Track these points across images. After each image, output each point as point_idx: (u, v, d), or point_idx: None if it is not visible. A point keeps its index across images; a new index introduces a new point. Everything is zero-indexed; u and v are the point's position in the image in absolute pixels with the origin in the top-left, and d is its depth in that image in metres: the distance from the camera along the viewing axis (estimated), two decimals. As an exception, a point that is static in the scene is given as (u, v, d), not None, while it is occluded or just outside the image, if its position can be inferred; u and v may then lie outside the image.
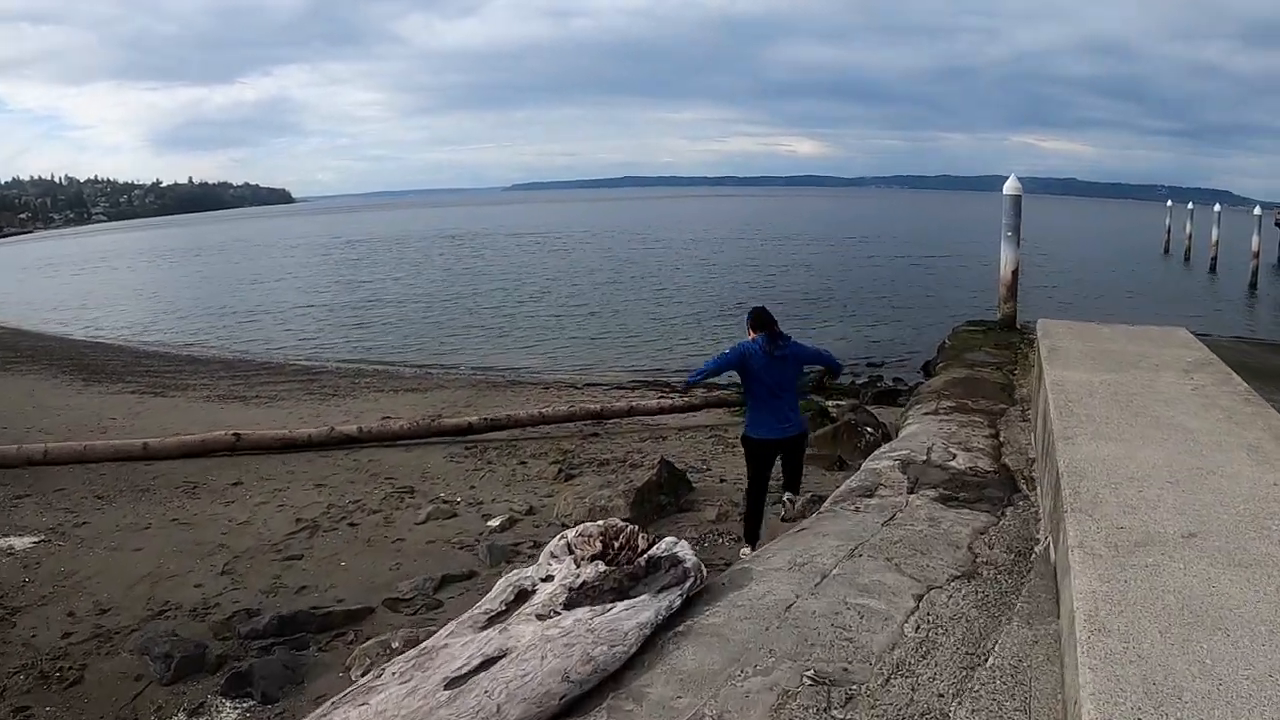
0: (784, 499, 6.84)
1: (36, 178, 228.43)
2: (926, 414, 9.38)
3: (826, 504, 5.98)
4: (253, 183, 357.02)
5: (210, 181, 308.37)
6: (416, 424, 10.36)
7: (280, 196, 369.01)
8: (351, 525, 7.59)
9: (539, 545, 6.60)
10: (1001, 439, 7.73)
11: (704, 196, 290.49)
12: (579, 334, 25.36)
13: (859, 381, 18.46)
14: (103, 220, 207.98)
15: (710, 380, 8.30)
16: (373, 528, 7.47)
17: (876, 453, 7.28)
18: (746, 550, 6.41)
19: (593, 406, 11.11)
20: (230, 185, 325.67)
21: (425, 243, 75.06)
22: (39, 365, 20.98)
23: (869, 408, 13.82)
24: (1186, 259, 44.84)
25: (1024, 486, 6.21)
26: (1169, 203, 54.95)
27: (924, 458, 6.86)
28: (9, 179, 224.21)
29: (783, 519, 6.66)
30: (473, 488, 8.49)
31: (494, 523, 7.20)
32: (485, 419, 10.52)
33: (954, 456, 6.96)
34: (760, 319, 6.40)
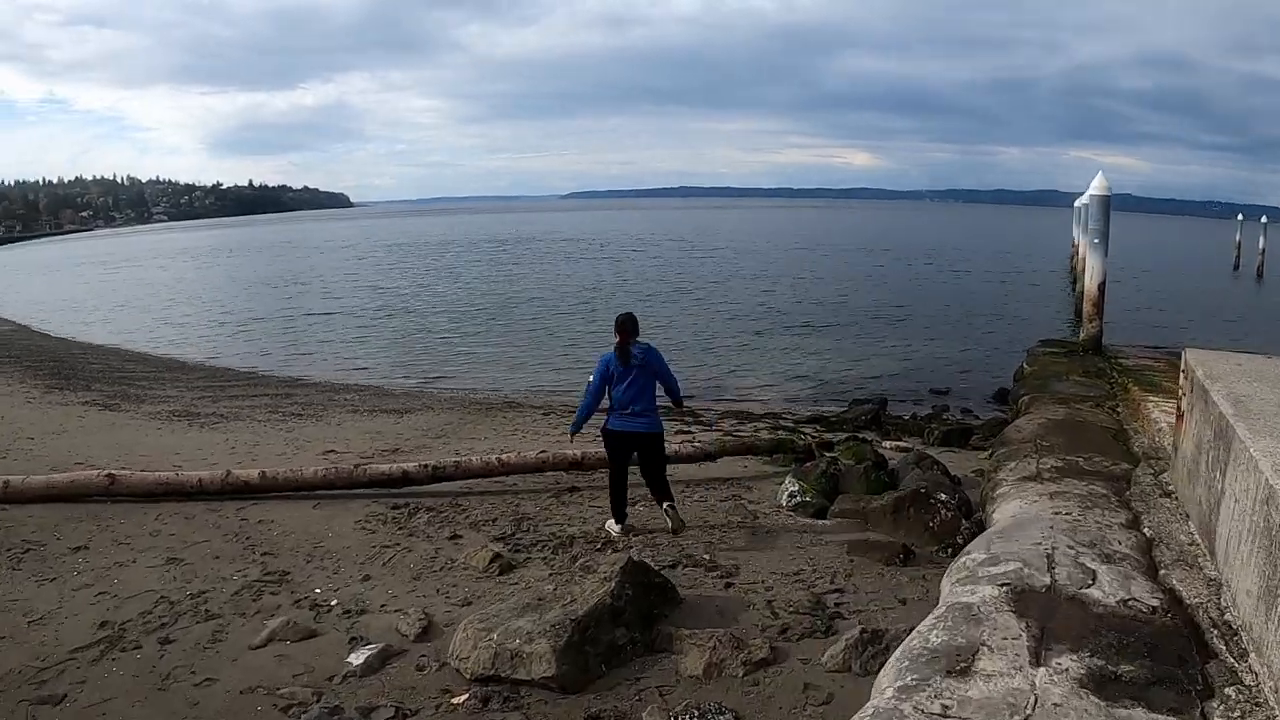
0: (664, 510, 6.95)
1: (99, 177, 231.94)
2: (1025, 479, 6.76)
3: (889, 688, 3.33)
4: (312, 186, 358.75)
5: (270, 184, 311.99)
6: (336, 471, 7.82)
7: (339, 200, 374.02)
8: (164, 643, 5.06)
9: (405, 715, 4.03)
10: (1147, 531, 5.09)
11: (759, 207, 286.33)
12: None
13: (921, 414, 15.56)
14: (163, 220, 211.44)
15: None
16: (188, 651, 4.93)
17: (967, 560, 4.66)
18: (614, 527, 6.86)
19: (571, 453, 8.38)
20: (289, 188, 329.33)
21: (469, 248, 73.49)
22: (15, 368, 19.17)
23: (936, 453, 11.06)
24: (1259, 276, 42.04)
25: (1220, 644, 3.55)
26: (1239, 217, 51.60)
27: (1045, 580, 4.23)
28: (72, 178, 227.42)
29: (673, 531, 6.83)
30: (367, 579, 5.90)
31: (358, 659, 4.59)
32: (425, 466, 7.90)
33: (1092, 576, 4.33)
34: (621, 326, 6.80)
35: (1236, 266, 46.62)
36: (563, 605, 4.44)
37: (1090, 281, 15.42)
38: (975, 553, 4.77)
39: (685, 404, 8.14)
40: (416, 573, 5.95)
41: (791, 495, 7.56)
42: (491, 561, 5.86)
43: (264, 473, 7.79)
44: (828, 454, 9.21)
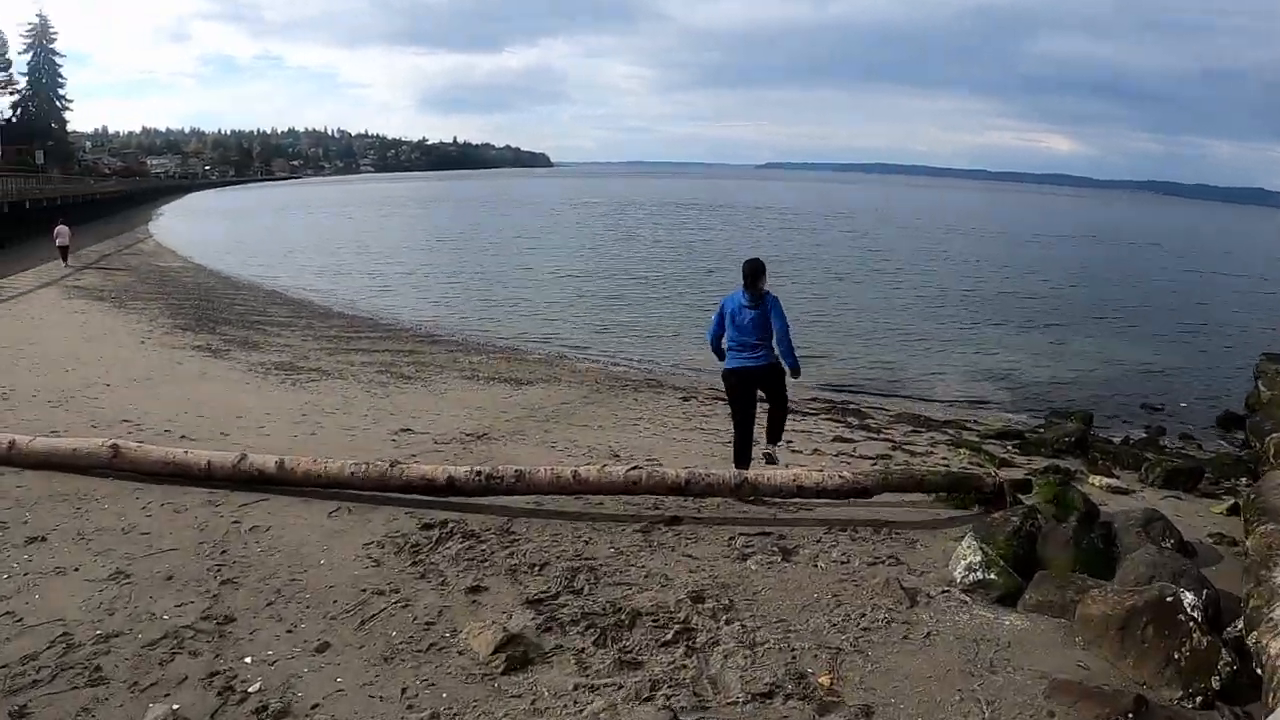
0: (762, 455, 7.18)
1: (310, 129, 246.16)
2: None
3: None
4: (514, 145, 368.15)
5: (473, 142, 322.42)
6: (366, 469, 6.10)
7: (539, 160, 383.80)
8: (14, 717, 3.50)
9: None
10: None
11: (957, 187, 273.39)
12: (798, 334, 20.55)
13: (1135, 437, 12.74)
14: (369, 171, 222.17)
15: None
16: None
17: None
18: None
19: (673, 475, 6.28)
20: (492, 146, 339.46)
21: (656, 211, 72.65)
22: (160, 304, 18.98)
23: (1159, 499, 8.49)
24: None
25: None
26: None
27: None
28: (285, 129, 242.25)
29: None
30: (324, 648, 4.06)
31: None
32: (477, 474, 6.01)
33: None
34: (745, 271, 6.99)
35: None
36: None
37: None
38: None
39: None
40: (393, 648, 4.05)
41: (970, 568, 5.29)
42: (499, 648, 3.91)
43: (282, 462, 6.19)
44: (1023, 498, 6.83)
